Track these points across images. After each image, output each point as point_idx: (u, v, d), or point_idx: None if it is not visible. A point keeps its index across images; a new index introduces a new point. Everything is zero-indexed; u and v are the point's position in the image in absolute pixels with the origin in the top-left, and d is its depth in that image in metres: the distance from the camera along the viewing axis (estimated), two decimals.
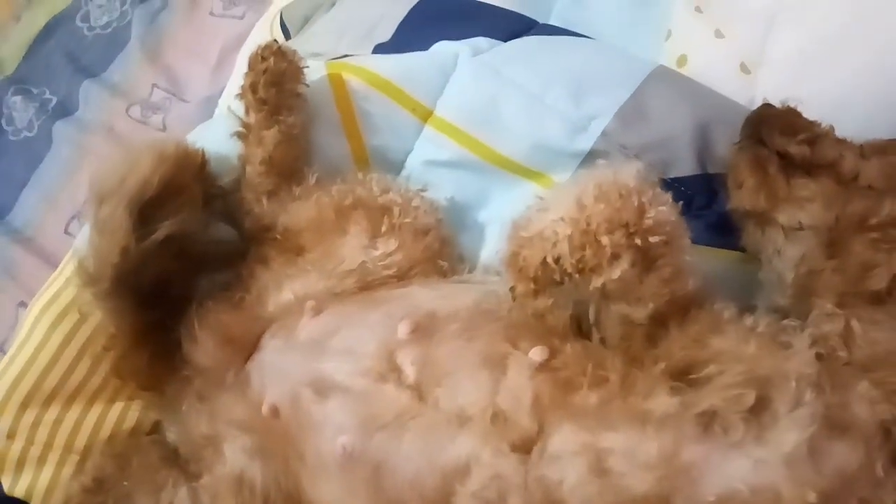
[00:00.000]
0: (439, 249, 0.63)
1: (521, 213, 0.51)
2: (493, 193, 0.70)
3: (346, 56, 0.74)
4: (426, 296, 0.57)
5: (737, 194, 0.55)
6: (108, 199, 0.57)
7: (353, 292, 0.60)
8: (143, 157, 0.59)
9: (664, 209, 0.46)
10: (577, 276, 0.46)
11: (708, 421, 0.42)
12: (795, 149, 0.52)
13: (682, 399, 0.43)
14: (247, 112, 0.64)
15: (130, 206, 0.56)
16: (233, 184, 0.66)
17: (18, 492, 0.63)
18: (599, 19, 0.81)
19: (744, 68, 0.72)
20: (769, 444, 0.41)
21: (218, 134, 0.66)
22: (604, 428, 0.44)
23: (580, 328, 0.49)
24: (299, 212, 0.63)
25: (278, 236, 0.63)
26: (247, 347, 0.60)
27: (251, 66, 0.63)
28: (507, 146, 0.68)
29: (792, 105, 0.55)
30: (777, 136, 0.53)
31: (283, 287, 0.61)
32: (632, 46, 0.78)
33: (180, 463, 0.60)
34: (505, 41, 0.75)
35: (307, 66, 0.66)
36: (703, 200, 0.65)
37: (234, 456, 0.56)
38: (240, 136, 0.64)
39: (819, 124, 0.53)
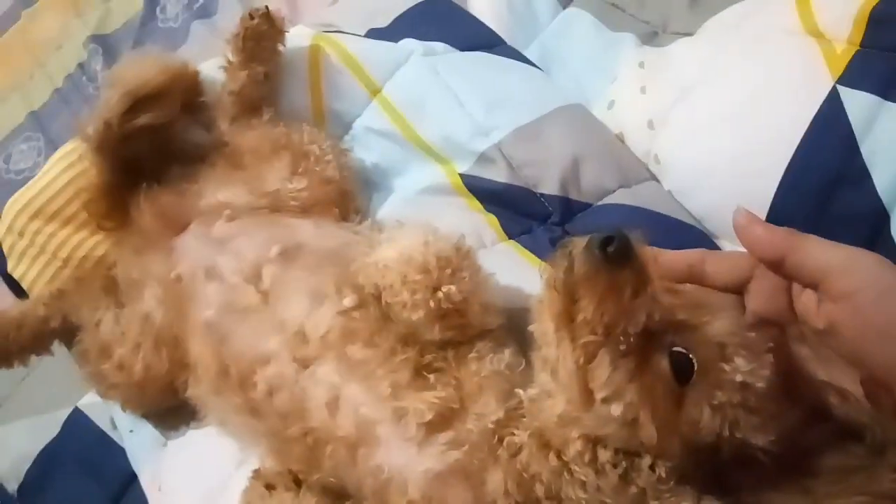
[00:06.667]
0: (336, 198, 0.78)
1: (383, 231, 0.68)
2: (409, 167, 0.85)
3: (338, 31, 0.92)
4: (307, 231, 0.72)
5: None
6: (115, 85, 0.79)
7: (265, 211, 0.77)
8: (151, 65, 0.81)
9: (464, 277, 0.58)
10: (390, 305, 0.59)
11: (402, 413, 0.55)
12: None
13: (414, 384, 0.57)
14: (232, 53, 0.83)
15: (127, 96, 0.77)
16: (213, 102, 0.86)
17: (16, 274, 0.88)
18: (571, 53, 0.93)
19: (650, 125, 0.81)
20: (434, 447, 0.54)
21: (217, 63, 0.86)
22: (351, 379, 0.58)
23: None
24: (248, 138, 0.81)
25: (228, 151, 0.82)
26: (178, 225, 0.76)
27: (241, 20, 0.82)
28: (427, 131, 0.83)
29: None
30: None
31: (218, 190, 0.77)
32: (585, 80, 0.90)
33: (116, 294, 0.81)
34: (462, 50, 0.89)
35: (288, 32, 0.84)
36: (557, 217, 0.78)
37: (148, 299, 0.75)
38: (224, 69, 0.84)
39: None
